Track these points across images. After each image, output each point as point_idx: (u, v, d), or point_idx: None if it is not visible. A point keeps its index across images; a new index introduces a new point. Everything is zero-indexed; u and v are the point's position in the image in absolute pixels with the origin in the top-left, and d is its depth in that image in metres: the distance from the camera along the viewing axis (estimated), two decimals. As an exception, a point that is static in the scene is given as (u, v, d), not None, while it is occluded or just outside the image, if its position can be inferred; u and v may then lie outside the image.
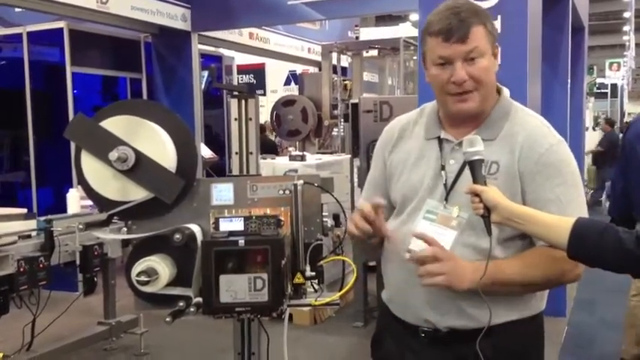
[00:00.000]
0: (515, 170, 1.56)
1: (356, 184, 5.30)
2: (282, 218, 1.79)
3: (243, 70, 10.68)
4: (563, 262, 1.50)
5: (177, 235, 1.73)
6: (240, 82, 10.04)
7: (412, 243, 1.60)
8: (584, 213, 1.54)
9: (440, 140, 1.65)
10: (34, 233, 3.39)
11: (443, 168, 1.62)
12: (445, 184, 1.61)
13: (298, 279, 1.80)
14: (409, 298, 1.64)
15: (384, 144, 1.79)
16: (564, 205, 1.53)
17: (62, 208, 4.17)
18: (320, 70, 8.56)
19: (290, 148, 7.86)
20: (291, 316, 1.80)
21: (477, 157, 1.49)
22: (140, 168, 1.79)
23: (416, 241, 1.59)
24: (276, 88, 11.70)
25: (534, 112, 1.70)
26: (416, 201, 1.65)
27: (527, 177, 1.56)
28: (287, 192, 1.84)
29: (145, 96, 6.93)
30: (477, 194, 1.46)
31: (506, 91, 1.68)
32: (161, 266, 1.73)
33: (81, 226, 1.89)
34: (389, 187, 1.75)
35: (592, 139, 12.71)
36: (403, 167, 1.70)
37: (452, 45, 1.53)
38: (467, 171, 1.55)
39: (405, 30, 9.71)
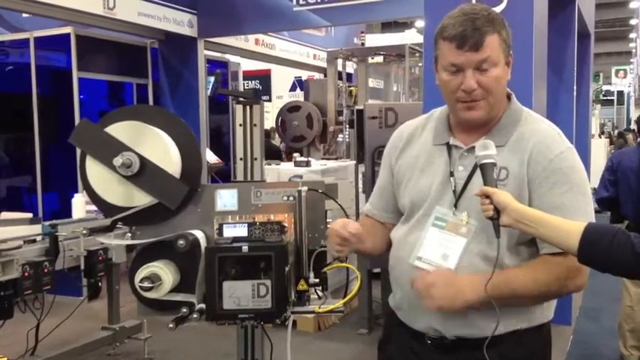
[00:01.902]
0: (523, 176, 1.55)
1: (361, 190, 5.29)
2: (286, 224, 1.78)
3: (249, 75, 10.70)
4: (565, 271, 1.50)
5: (181, 241, 1.73)
6: (246, 87, 10.07)
7: (421, 250, 1.60)
8: (591, 221, 1.53)
9: (449, 146, 1.65)
10: (39, 238, 3.39)
11: (452, 174, 1.61)
12: (454, 191, 1.60)
13: (302, 286, 1.80)
14: (417, 306, 1.64)
15: (391, 150, 1.80)
16: (570, 212, 1.52)
17: (68, 212, 4.18)
18: (325, 76, 8.57)
19: (295, 154, 7.85)
20: (295, 323, 1.80)
21: (489, 161, 1.49)
22: (144, 174, 1.79)
23: (424, 249, 1.59)
24: (282, 94, 11.72)
25: (544, 119, 1.69)
26: (424, 207, 1.65)
27: (534, 182, 1.55)
28: (291, 198, 1.84)
29: (151, 101, 6.94)
30: (487, 196, 1.45)
31: (515, 98, 1.67)
32: (164, 272, 1.73)
33: (85, 232, 1.89)
34: (397, 192, 1.75)
35: (597, 146, 12.64)
36: (411, 173, 1.70)
37: (465, 53, 1.52)
38: (476, 177, 1.54)
39: (411, 36, 9.74)
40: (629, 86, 29.10)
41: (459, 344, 1.59)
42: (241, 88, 8.79)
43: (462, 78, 1.54)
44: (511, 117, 1.62)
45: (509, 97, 1.65)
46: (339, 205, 1.92)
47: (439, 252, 1.59)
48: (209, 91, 7.07)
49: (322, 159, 7.13)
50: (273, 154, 8.29)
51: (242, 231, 1.74)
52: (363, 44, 9.85)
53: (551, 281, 1.52)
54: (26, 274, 3.06)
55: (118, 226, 1.92)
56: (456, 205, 1.60)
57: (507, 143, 1.59)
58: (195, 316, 1.72)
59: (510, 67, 1.60)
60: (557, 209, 1.51)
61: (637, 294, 4.13)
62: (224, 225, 1.76)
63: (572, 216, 1.50)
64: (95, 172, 1.83)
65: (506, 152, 1.57)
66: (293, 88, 11.59)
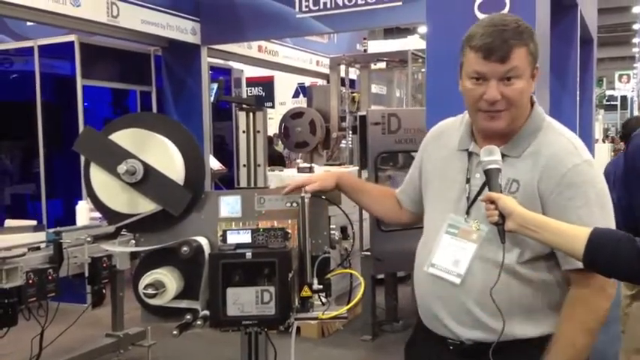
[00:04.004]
0: (534, 190, 1.54)
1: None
2: (290, 231, 1.79)
3: (252, 82, 10.72)
4: (587, 308, 1.56)
5: (185, 248, 1.73)
6: (249, 94, 10.10)
7: (434, 257, 1.62)
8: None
9: (469, 153, 1.65)
10: (43, 245, 3.39)
11: (468, 181, 1.62)
12: (468, 198, 1.61)
13: (305, 292, 1.79)
14: (434, 310, 1.66)
15: (425, 143, 1.84)
16: (587, 226, 1.46)
17: (72, 219, 4.19)
18: (328, 82, 8.58)
19: (298, 160, 7.85)
20: (299, 329, 1.80)
21: (493, 166, 1.49)
22: (148, 181, 1.79)
23: (437, 256, 1.60)
24: (285, 100, 11.74)
25: (567, 130, 1.66)
26: (440, 213, 1.67)
27: (547, 197, 1.53)
28: (294, 204, 1.84)
29: (154, 109, 6.96)
30: (492, 202, 1.45)
31: (539, 106, 1.66)
32: (168, 279, 1.73)
33: (89, 239, 1.89)
34: (422, 192, 1.80)
35: (601, 151, 12.64)
36: (433, 177, 1.74)
37: (490, 63, 1.51)
38: None
39: (413, 42, 9.75)
40: (633, 91, 29.07)
41: (477, 349, 1.58)
42: (244, 95, 8.82)
43: (486, 87, 1.53)
44: (531, 128, 1.61)
45: (532, 105, 1.64)
46: (343, 211, 1.93)
47: (451, 258, 1.60)
48: (212, 98, 7.10)
49: (325, 165, 7.13)
50: (276, 161, 8.31)
51: (245, 237, 1.73)
52: (365, 50, 9.86)
53: (581, 323, 1.58)
54: (30, 281, 3.07)
55: (122, 233, 1.93)
56: (467, 212, 1.60)
57: (522, 155, 1.57)
58: (199, 322, 1.72)
59: (535, 79, 1.59)
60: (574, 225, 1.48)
61: (628, 297, 4.11)
62: (228, 231, 1.76)
63: None
64: (99, 179, 1.83)
65: (520, 164, 1.56)
66: (296, 95, 11.61)
